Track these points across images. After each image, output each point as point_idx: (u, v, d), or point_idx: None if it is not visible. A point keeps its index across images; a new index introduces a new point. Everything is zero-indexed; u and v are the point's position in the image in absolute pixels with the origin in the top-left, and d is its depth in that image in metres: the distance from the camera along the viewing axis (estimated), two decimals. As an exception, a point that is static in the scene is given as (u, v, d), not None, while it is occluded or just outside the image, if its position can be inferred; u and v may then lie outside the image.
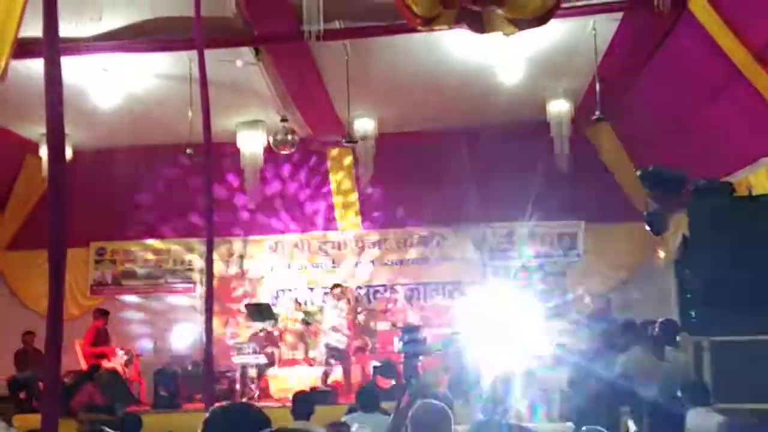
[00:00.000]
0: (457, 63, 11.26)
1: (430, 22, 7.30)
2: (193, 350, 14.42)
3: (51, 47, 3.55)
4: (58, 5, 3.65)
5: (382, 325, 13.86)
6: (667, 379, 7.77)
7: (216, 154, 13.49)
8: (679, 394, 6.56)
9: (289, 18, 9.79)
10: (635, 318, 10.38)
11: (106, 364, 12.96)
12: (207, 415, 2.85)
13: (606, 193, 14.50)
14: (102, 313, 14.04)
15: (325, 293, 14.61)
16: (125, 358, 13.51)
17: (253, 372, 13.14)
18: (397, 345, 12.71)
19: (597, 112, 11.23)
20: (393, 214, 15.56)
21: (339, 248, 15.74)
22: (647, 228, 9.16)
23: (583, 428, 4.48)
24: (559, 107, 12.63)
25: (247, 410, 2.87)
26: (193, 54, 7.06)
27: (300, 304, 15.08)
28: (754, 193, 8.96)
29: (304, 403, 7.34)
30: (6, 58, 7.80)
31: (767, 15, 8.39)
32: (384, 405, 7.36)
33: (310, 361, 13.98)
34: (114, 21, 9.94)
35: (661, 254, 14.04)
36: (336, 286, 14.11)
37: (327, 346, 13.28)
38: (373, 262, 15.62)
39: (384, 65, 11.59)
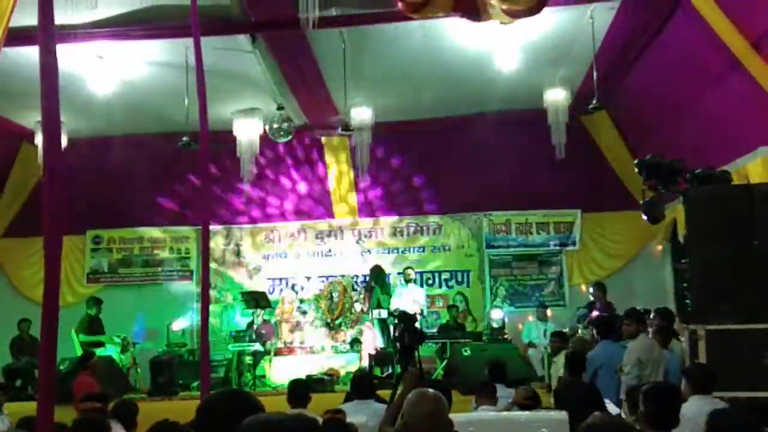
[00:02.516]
0: (455, 51, 11.24)
1: (420, 9, 7.29)
2: (189, 338, 14.45)
3: (46, 34, 3.53)
4: (54, -8, 3.63)
5: (378, 314, 13.87)
6: (669, 367, 7.80)
7: (212, 143, 13.50)
8: (678, 380, 6.56)
9: (285, 5, 9.74)
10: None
11: (101, 351, 12.96)
12: (201, 402, 2.85)
13: (603, 182, 14.51)
14: (95, 302, 14.01)
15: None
16: (121, 345, 13.53)
17: (249, 360, 13.16)
18: (393, 333, 12.71)
19: (594, 101, 11.24)
20: (389, 203, 15.57)
21: (335, 237, 15.75)
22: (644, 217, 9.15)
23: (596, 413, 4.48)
24: (556, 95, 12.62)
25: (241, 397, 2.87)
26: (190, 42, 7.03)
27: (296, 292, 15.10)
28: (750, 182, 8.97)
29: (300, 390, 7.34)
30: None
31: (765, 3, 8.38)
32: (380, 393, 7.37)
33: (306, 350, 14.01)
34: (110, 8, 9.89)
35: (658, 243, 14.08)
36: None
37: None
38: (369, 250, 15.64)
39: (381, 53, 11.56)
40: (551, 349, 11.03)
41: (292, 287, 15.26)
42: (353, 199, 15.49)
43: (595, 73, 10.91)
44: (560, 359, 10.00)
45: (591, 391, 7.43)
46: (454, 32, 10.54)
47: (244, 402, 2.74)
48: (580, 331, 11.94)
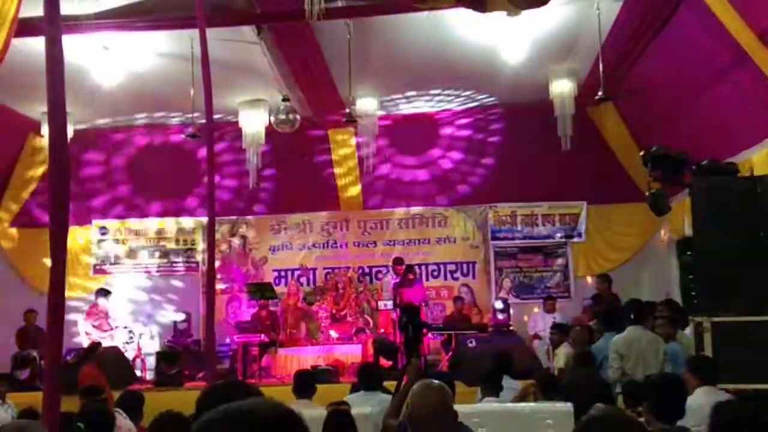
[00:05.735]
0: (461, 42, 11.21)
1: (426, 0, 7.29)
2: (195, 329, 14.48)
3: (52, 25, 3.53)
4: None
5: (383, 305, 13.90)
6: (673, 359, 7.78)
7: (218, 133, 13.52)
8: (683, 372, 6.56)
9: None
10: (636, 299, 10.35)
11: (108, 342, 13.01)
12: (201, 393, 2.85)
13: (609, 174, 14.49)
14: (104, 292, 14.06)
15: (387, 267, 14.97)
16: (128, 336, 13.57)
17: (254, 351, 13.20)
18: (398, 324, 12.73)
19: (600, 92, 11.19)
20: (395, 194, 15.56)
21: (341, 228, 15.74)
22: (649, 208, 9.14)
23: (598, 405, 4.48)
24: (562, 87, 12.58)
25: (241, 387, 2.86)
26: (195, 32, 7.03)
27: (302, 284, 15.12)
28: (755, 174, 8.94)
29: (306, 382, 7.36)
30: (4, 39, 7.77)
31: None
32: (386, 384, 7.38)
33: (311, 341, 14.05)
34: (115, -1, 9.90)
35: (664, 235, 14.06)
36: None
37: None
38: (375, 242, 15.63)
39: (387, 44, 11.54)
40: (552, 342, 11.03)
41: (298, 279, 15.29)
42: (359, 190, 15.47)
43: (601, 65, 10.87)
44: (561, 351, 10.00)
45: (598, 384, 7.42)
46: (460, 23, 10.51)
47: (244, 392, 2.74)
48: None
